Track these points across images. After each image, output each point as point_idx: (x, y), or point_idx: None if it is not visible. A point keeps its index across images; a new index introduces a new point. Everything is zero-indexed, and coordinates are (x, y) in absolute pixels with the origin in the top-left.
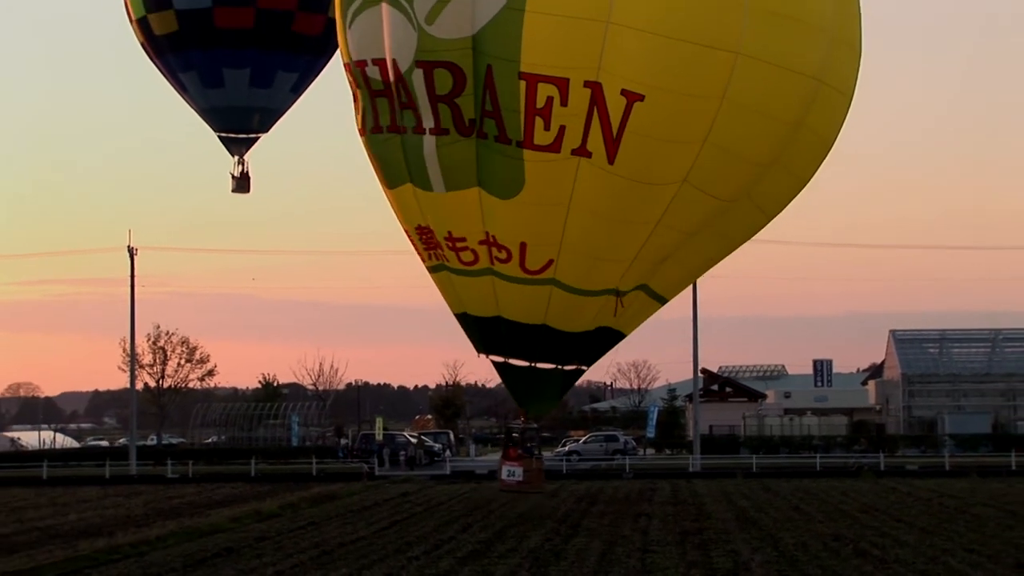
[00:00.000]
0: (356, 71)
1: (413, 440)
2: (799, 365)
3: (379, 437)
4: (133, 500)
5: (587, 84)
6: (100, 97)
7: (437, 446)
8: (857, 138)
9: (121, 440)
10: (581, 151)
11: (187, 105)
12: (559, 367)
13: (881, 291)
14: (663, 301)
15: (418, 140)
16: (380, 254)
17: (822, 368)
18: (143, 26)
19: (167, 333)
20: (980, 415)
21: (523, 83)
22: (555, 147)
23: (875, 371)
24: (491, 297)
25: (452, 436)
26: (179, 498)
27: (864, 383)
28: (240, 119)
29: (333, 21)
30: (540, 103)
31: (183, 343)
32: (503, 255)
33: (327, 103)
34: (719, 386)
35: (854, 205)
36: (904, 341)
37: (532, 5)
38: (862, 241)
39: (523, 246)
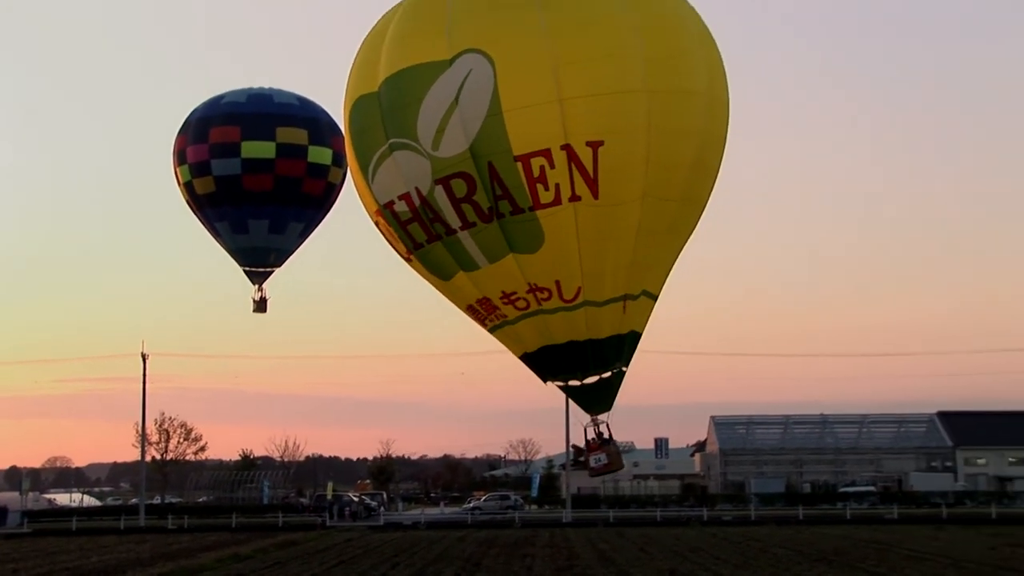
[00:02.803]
0: (386, 212)
1: (356, 499)
2: (644, 441)
3: (330, 497)
4: (141, 546)
5: (563, 147)
6: (138, 239)
7: (374, 503)
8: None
9: (133, 500)
10: (574, 198)
11: (218, 246)
12: (602, 376)
13: (704, 387)
14: (655, 298)
15: (455, 237)
16: (335, 358)
17: (661, 444)
18: (188, 188)
19: (170, 418)
20: (776, 479)
21: (519, 164)
22: (556, 201)
23: (700, 446)
24: (545, 330)
25: (385, 496)
26: (177, 544)
27: (692, 455)
28: (261, 257)
29: (332, 184)
30: (536, 173)
31: (182, 426)
32: (545, 295)
33: (324, 246)
34: (585, 458)
35: (686, 325)
36: (721, 424)
37: (506, 106)
38: (691, 350)
39: (557, 283)
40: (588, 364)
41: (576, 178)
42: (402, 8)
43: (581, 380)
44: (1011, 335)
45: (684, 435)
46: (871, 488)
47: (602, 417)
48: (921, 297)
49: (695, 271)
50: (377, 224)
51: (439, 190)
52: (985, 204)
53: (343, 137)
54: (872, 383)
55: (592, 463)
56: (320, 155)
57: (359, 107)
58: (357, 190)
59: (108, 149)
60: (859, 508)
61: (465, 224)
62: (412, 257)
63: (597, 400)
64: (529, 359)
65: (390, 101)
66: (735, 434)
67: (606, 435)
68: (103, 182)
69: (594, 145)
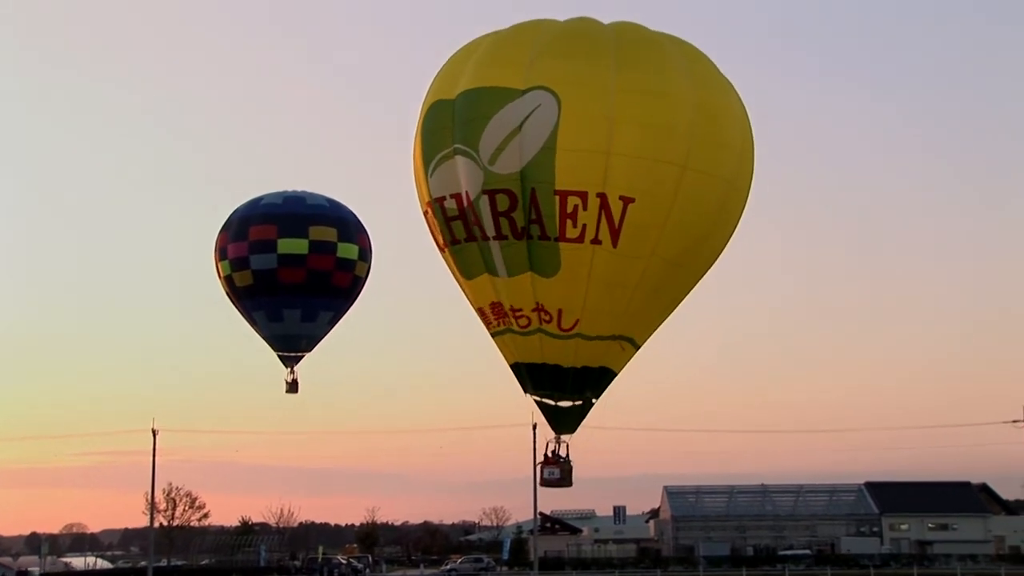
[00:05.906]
0: (436, 205)
1: (344, 562)
2: (604, 509)
3: (320, 559)
4: None
5: (598, 195)
6: (149, 331)
7: (360, 566)
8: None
9: (142, 563)
10: (595, 241)
11: (254, 333)
12: (575, 403)
13: (658, 460)
14: (637, 347)
15: (487, 244)
16: (324, 432)
17: (620, 511)
18: (228, 281)
19: (176, 488)
20: (722, 543)
21: (557, 198)
22: (580, 239)
23: (654, 513)
24: (539, 349)
25: (370, 559)
26: None
27: (647, 521)
28: (293, 343)
29: (358, 277)
30: (569, 209)
31: (187, 495)
32: (548, 318)
33: (350, 333)
34: (551, 524)
35: (642, 403)
36: (673, 493)
37: (561, 145)
38: (647, 427)
39: (560, 311)
40: (566, 388)
41: (603, 224)
42: (494, 36)
43: (556, 401)
44: (930, 413)
45: (640, 503)
46: (807, 551)
47: (565, 437)
48: (851, 378)
49: (652, 355)
50: (425, 214)
51: (484, 200)
52: (902, 294)
53: (368, 235)
54: (807, 457)
55: (546, 475)
56: (348, 251)
57: (435, 109)
58: (416, 182)
59: (142, 245)
60: (797, 569)
61: (498, 235)
62: (447, 250)
63: (566, 422)
64: (518, 369)
65: (463, 112)
66: (686, 502)
67: (563, 455)
68: (131, 276)
69: (626, 200)
